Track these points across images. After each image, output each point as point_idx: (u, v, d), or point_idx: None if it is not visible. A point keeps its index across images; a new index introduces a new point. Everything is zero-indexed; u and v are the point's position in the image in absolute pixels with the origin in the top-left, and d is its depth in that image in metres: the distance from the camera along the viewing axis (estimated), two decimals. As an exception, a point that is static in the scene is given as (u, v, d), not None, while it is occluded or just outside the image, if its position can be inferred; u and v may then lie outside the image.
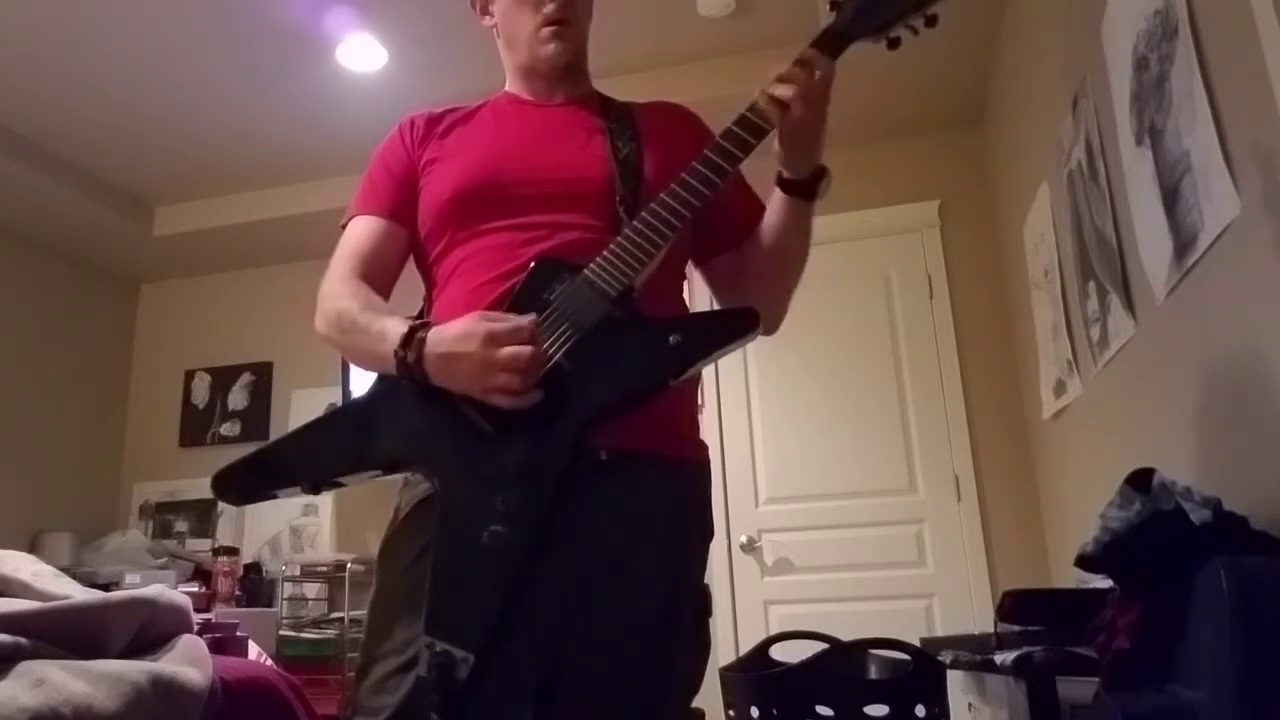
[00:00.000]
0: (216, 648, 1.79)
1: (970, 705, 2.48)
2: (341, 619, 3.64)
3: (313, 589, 4.04)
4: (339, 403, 3.47)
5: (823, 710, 1.80)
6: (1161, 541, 1.14)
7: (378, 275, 1.27)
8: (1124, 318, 1.99)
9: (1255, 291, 1.37)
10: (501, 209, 1.22)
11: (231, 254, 4.50)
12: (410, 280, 1.35)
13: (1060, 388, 2.70)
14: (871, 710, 1.78)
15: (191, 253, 4.50)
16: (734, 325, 1.08)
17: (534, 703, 1.10)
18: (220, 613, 3.33)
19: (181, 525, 4.40)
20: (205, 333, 4.67)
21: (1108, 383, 2.21)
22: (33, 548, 3.78)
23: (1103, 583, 1.43)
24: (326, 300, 1.24)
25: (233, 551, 4.01)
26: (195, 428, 4.55)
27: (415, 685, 1.02)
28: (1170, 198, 1.63)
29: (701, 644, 1.21)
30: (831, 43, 1.13)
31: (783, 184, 1.20)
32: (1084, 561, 1.23)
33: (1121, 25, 1.84)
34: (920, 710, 1.79)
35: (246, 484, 1.20)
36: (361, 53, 3.27)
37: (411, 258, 1.34)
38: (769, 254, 1.25)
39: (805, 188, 1.18)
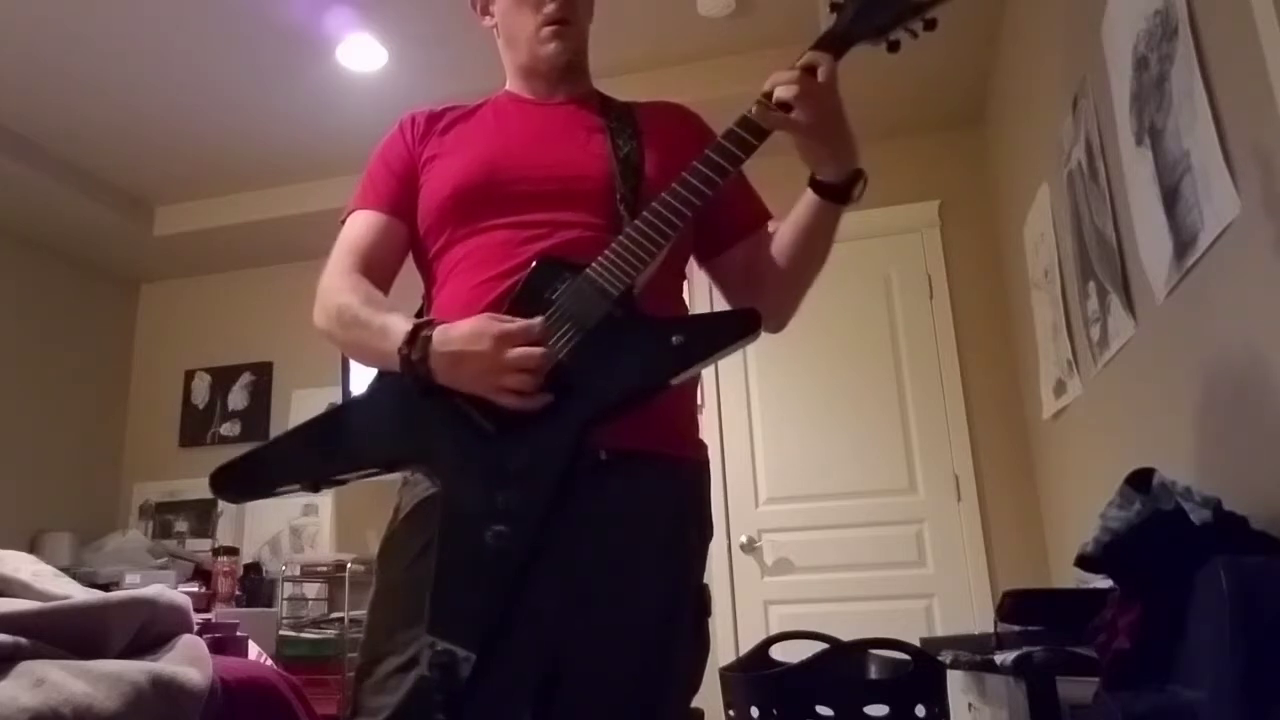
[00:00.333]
0: (216, 648, 1.79)
1: (970, 705, 2.48)
2: (341, 619, 3.64)
3: (313, 589, 4.04)
4: (339, 402, 3.47)
5: (823, 710, 1.79)
6: (1161, 541, 1.14)
7: (377, 271, 1.27)
8: (1124, 318, 1.99)
9: (1255, 291, 1.37)
10: (502, 206, 1.22)
11: (231, 254, 4.50)
12: (408, 278, 1.35)
13: (1060, 388, 2.70)
14: (871, 710, 1.78)
15: (191, 253, 4.50)
16: (735, 326, 1.08)
17: (534, 702, 1.10)
18: (220, 613, 3.33)
19: (181, 525, 4.41)
20: (205, 333, 4.67)
21: (1108, 383, 2.21)
22: (33, 548, 3.78)
23: (1103, 583, 1.43)
24: (326, 295, 1.24)
25: (233, 551, 4.01)
26: (195, 428, 4.55)
27: (417, 685, 1.02)
28: (1170, 198, 1.63)
29: (701, 644, 1.21)
30: (832, 45, 1.13)
31: (815, 186, 1.19)
32: (1084, 561, 1.23)
33: (1121, 25, 1.84)
34: (920, 710, 1.79)
35: (245, 482, 1.20)
36: (361, 53, 3.27)
37: (411, 254, 1.34)
38: (790, 253, 1.24)
39: (837, 191, 1.18)
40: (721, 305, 1.33)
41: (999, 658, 1.54)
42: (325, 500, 4.18)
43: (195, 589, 3.54)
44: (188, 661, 1.50)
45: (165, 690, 1.40)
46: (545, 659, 1.09)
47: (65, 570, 2.03)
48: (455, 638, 0.99)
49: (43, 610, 1.43)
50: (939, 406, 3.49)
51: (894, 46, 1.15)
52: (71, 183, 3.92)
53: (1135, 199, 1.84)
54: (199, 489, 4.17)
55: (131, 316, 4.83)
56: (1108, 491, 1.25)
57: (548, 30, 1.31)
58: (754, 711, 1.88)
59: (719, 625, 3.35)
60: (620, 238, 1.11)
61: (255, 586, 4.02)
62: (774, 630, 2.57)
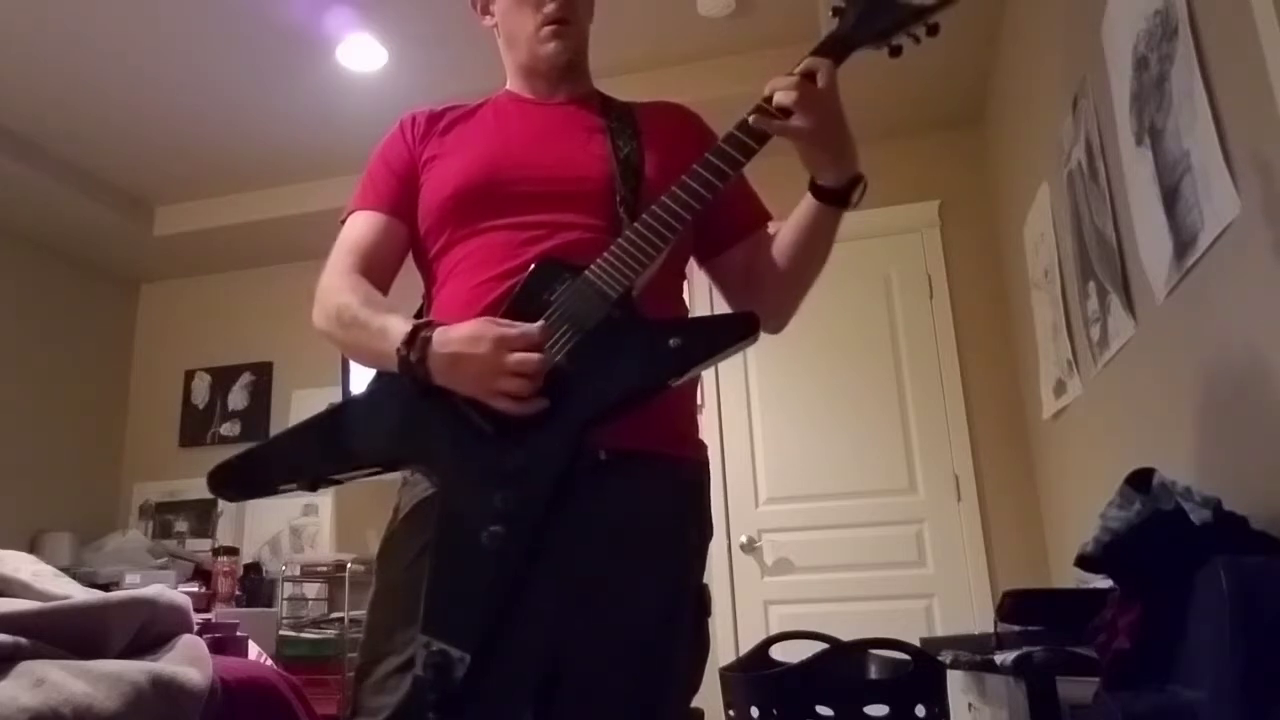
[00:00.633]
0: (216, 648, 1.79)
1: (970, 705, 2.48)
2: (341, 619, 3.64)
3: (313, 589, 4.04)
4: (339, 402, 3.47)
5: (823, 710, 1.79)
6: (1161, 541, 1.14)
7: (377, 271, 1.27)
8: (1124, 318, 1.99)
9: (1255, 291, 1.37)
10: (502, 207, 1.22)
11: (231, 254, 4.50)
12: (407, 278, 1.35)
13: (1060, 388, 2.70)
14: (871, 710, 1.78)
15: (191, 253, 4.50)
16: (734, 330, 1.08)
17: (534, 702, 1.10)
18: (220, 613, 3.33)
19: (181, 525, 4.41)
20: (205, 333, 4.67)
21: (1108, 383, 2.21)
22: (33, 548, 3.78)
23: (1103, 583, 1.43)
24: (326, 294, 1.24)
25: (233, 551, 4.01)
26: (195, 428, 4.55)
27: (416, 685, 1.02)
28: (1170, 198, 1.63)
29: (701, 644, 1.21)
30: (834, 50, 1.13)
31: (814, 190, 1.19)
32: (1084, 561, 1.23)
33: (1121, 25, 1.84)
34: (920, 710, 1.79)
35: (243, 480, 1.20)
36: (361, 53, 3.27)
37: (410, 254, 1.34)
38: (790, 255, 1.24)
39: (837, 195, 1.18)
40: (721, 305, 1.34)
41: (999, 658, 1.54)
42: (325, 500, 4.18)
43: (195, 589, 3.54)
44: (188, 661, 1.50)
45: (165, 690, 1.40)
46: (545, 659, 1.09)
47: (65, 570, 2.03)
48: (450, 638, 0.99)
49: (43, 610, 1.43)
50: (939, 406, 3.49)
51: (896, 51, 1.14)
52: (71, 183, 3.92)
53: (1135, 199, 1.84)
54: (199, 489, 4.13)
55: (131, 316, 4.84)
56: (1108, 491, 1.25)
57: (548, 30, 1.31)
58: (754, 711, 1.88)
59: (719, 625, 3.35)
60: (620, 239, 1.11)
61: (255, 586, 4.02)
62: (774, 630, 2.57)
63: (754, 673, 2.05)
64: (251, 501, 3.83)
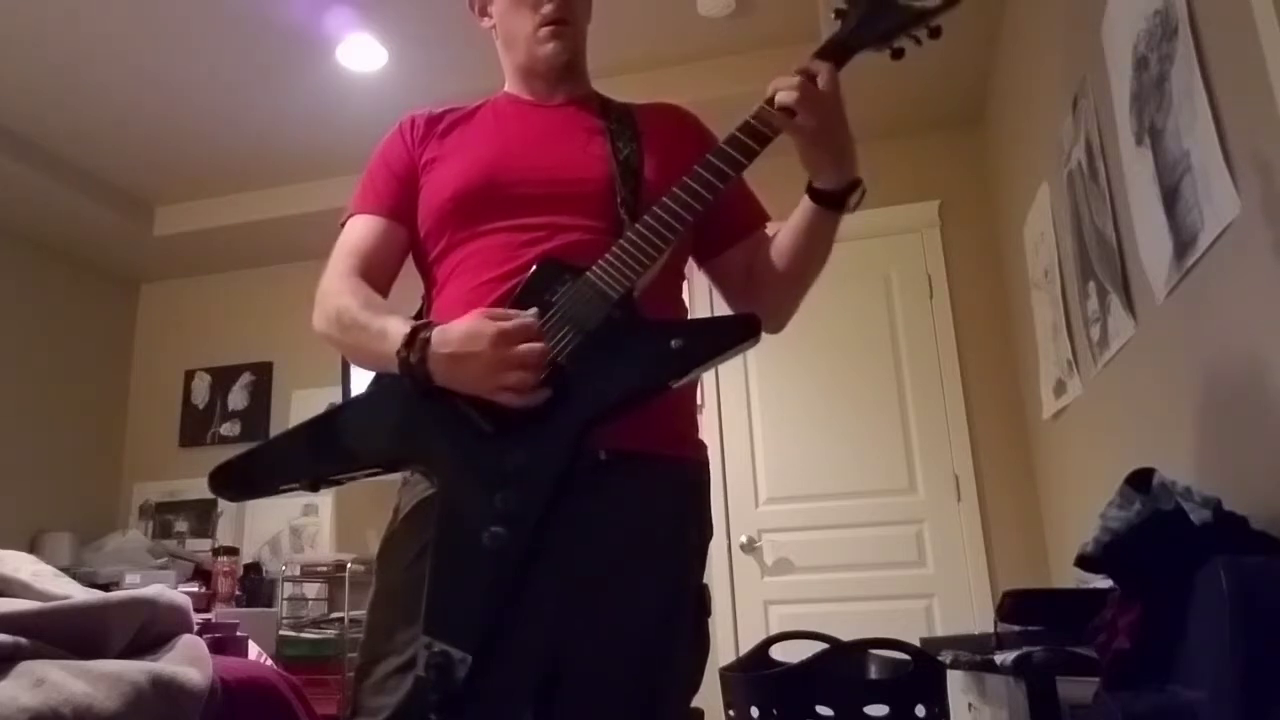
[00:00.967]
0: (216, 648, 1.79)
1: (970, 705, 2.48)
2: (341, 619, 3.64)
3: (313, 589, 4.04)
4: (339, 402, 3.47)
5: (823, 710, 1.79)
6: (1161, 541, 1.14)
7: (377, 273, 1.27)
8: (1124, 318, 1.99)
9: (1255, 291, 1.37)
10: (501, 209, 1.22)
11: (231, 254, 4.50)
12: (408, 279, 1.35)
13: (1060, 388, 2.70)
14: (871, 710, 1.78)
15: (191, 253, 4.50)
16: (735, 331, 1.08)
17: (534, 702, 1.10)
18: (220, 613, 3.33)
19: (181, 525, 4.41)
20: (205, 333, 4.67)
21: (1108, 383, 2.21)
22: (33, 548, 3.78)
23: (1103, 583, 1.43)
24: (326, 297, 1.24)
25: (233, 551, 4.01)
26: (195, 428, 4.55)
27: (416, 685, 1.02)
28: (1170, 198, 1.63)
29: (701, 644, 1.21)
30: (835, 52, 1.13)
31: (812, 192, 1.19)
32: (1084, 561, 1.23)
33: (1121, 25, 1.84)
34: (920, 710, 1.79)
35: (244, 480, 1.20)
36: (361, 53, 3.27)
37: (410, 257, 1.34)
38: (788, 257, 1.24)
39: (834, 198, 1.18)
40: (721, 306, 1.34)
41: (999, 658, 1.54)
42: (325, 500, 4.18)
43: (195, 589, 3.54)
44: (188, 661, 1.50)
45: (165, 690, 1.40)
46: (545, 659, 1.09)
47: (65, 570, 2.03)
48: (451, 639, 0.99)
49: (43, 610, 1.43)
50: (939, 406, 3.49)
51: (898, 54, 1.14)
52: (71, 183, 3.92)
53: (1135, 199, 1.84)
54: (199, 489, 4.16)
55: (131, 316, 4.84)
56: (1108, 491, 1.25)
57: (545, 30, 1.31)
58: (754, 711, 1.88)
59: (719, 625, 3.35)
60: (621, 241, 1.11)
61: (255, 586, 4.02)
62: (774, 630, 2.57)
63: (754, 673, 2.05)
64: (251, 501, 3.83)
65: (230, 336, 4.59)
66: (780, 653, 2.22)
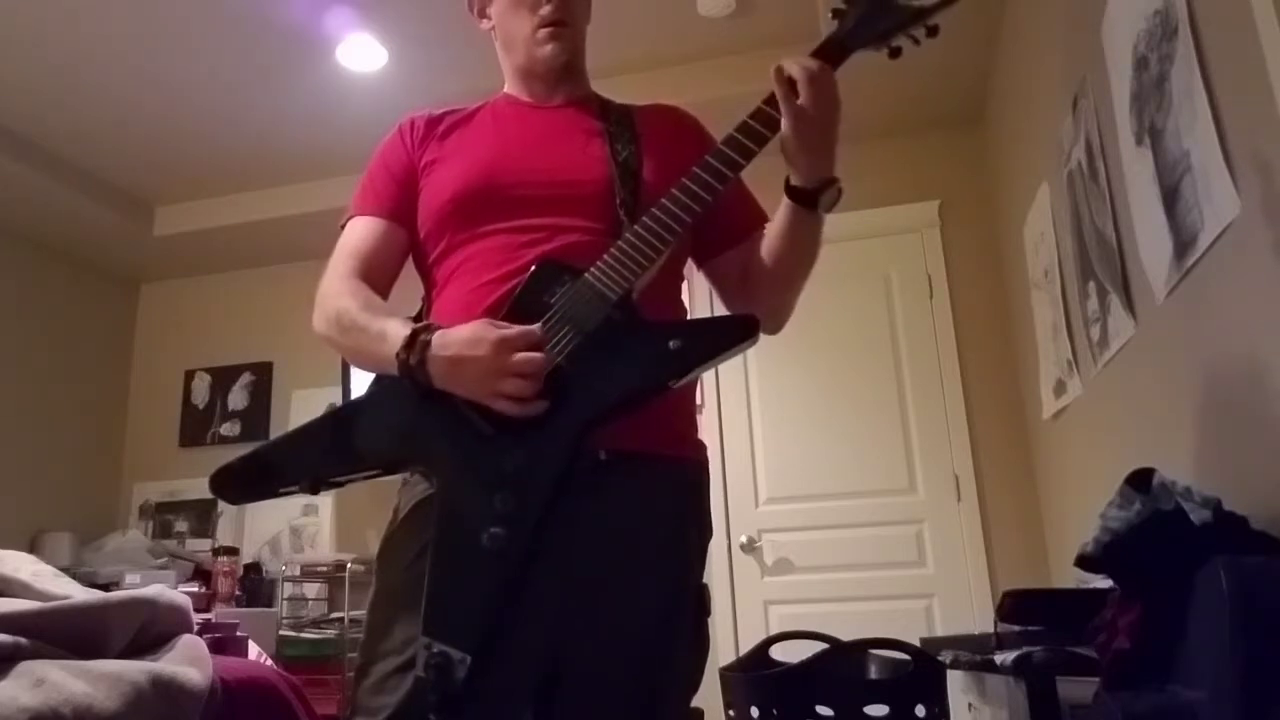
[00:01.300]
0: (216, 648, 1.79)
1: (970, 705, 2.48)
2: (341, 619, 3.64)
3: (313, 589, 4.04)
4: (339, 403, 3.48)
5: (823, 710, 1.80)
6: (1161, 541, 1.14)
7: (377, 275, 1.27)
8: (1124, 318, 1.99)
9: (1255, 291, 1.37)
10: (501, 211, 1.22)
11: (231, 254, 4.50)
12: (408, 281, 1.35)
13: (1060, 388, 2.70)
14: (871, 710, 1.78)
15: (191, 253, 4.50)
16: (734, 332, 1.08)
17: (534, 702, 1.10)
18: (220, 613, 3.33)
19: (181, 525, 4.41)
20: (205, 333, 4.67)
21: (1108, 383, 2.21)
22: (33, 548, 3.78)
23: (1103, 583, 1.43)
24: (326, 299, 1.24)
25: (233, 551, 4.01)
26: (195, 428, 4.55)
27: (416, 685, 1.02)
28: (1170, 198, 1.63)
29: (701, 644, 1.21)
30: (833, 51, 1.13)
31: (789, 190, 1.19)
32: (1084, 561, 1.23)
33: (1121, 25, 1.84)
34: (920, 710, 1.79)
35: (245, 482, 1.20)
36: (361, 53, 3.27)
37: (410, 258, 1.34)
38: (775, 258, 1.24)
39: (809, 196, 1.17)
40: (720, 307, 1.34)
41: (999, 658, 1.54)
42: (325, 500, 4.18)
43: (195, 589, 3.54)
44: (188, 661, 1.50)
45: (165, 690, 1.40)
46: (545, 659, 1.10)
47: (65, 570, 2.03)
48: (451, 639, 0.99)
49: (43, 610, 1.43)
50: (939, 406, 3.49)
51: (895, 53, 1.14)
52: (71, 183, 3.92)
53: (1135, 199, 1.84)
54: (199, 489, 4.16)
55: (131, 316, 4.83)
56: (1108, 491, 1.25)
57: (544, 32, 1.31)
58: (754, 711, 1.88)
59: (719, 625, 3.35)
60: (620, 242, 1.11)
61: (255, 586, 4.02)
62: (774, 630, 2.57)
63: (754, 673, 2.05)
64: (251, 502, 3.83)
65: (230, 336, 4.59)
66: (780, 653, 2.22)
